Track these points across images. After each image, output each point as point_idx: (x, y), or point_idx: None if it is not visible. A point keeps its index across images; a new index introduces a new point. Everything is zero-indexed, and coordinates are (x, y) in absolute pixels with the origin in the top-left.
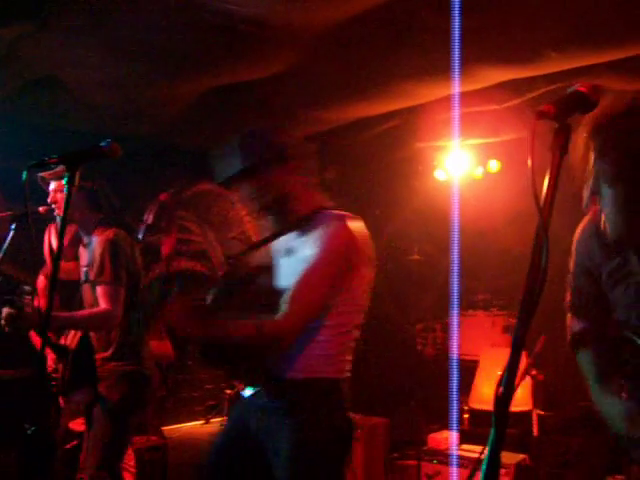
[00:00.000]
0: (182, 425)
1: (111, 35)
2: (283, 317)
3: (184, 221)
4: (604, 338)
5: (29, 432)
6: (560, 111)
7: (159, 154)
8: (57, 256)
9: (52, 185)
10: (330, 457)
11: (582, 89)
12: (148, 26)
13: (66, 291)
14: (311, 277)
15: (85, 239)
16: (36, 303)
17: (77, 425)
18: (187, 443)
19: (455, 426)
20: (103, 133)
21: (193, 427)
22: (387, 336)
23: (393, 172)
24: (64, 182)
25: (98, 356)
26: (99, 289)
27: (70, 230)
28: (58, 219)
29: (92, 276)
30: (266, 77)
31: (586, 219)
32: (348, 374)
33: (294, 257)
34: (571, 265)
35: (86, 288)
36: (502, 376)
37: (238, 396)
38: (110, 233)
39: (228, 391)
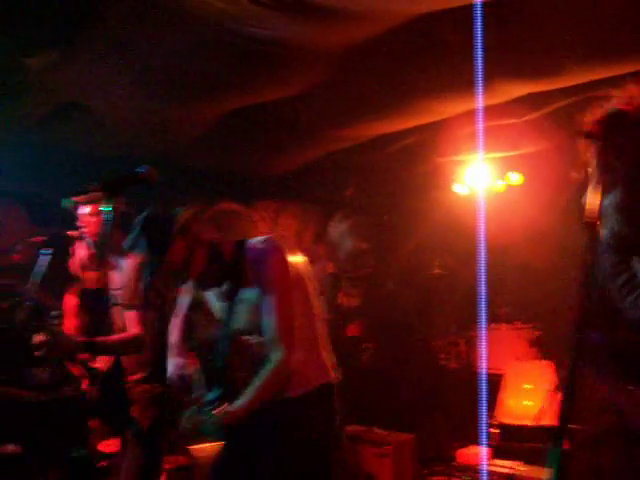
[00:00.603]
0: (207, 445)
1: (136, 60)
2: (281, 347)
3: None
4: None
5: (75, 455)
6: (606, 130)
7: (181, 175)
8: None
9: (85, 209)
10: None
11: (626, 108)
12: (172, 50)
13: (91, 300)
14: (280, 306)
15: (115, 261)
16: (65, 324)
17: (106, 446)
18: (211, 462)
19: (485, 441)
20: (128, 157)
21: (218, 446)
22: (410, 351)
23: (414, 187)
24: (100, 207)
25: (130, 378)
26: (130, 313)
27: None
28: (88, 242)
29: (122, 300)
30: (289, 97)
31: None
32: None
33: (247, 296)
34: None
35: (116, 310)
36: (562, 394)
37: None
38: (141, 257)
39: None
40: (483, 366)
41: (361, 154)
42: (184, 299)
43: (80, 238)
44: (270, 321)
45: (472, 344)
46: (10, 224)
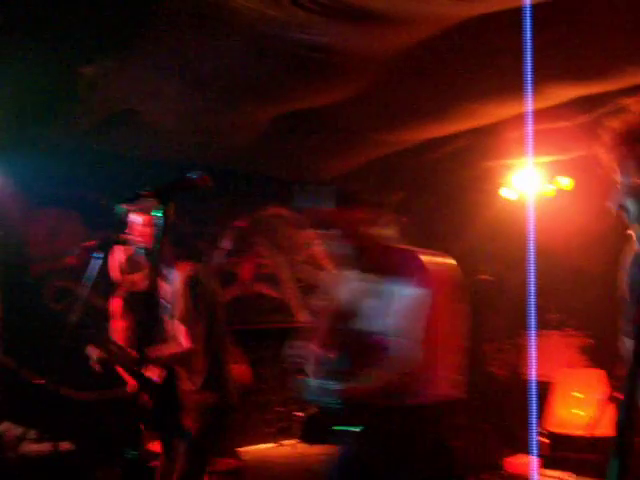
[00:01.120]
0: (254, 447)
1: (187, 67)
2: (415, 354)
3: (256, 245)
4: None
5: (129, 456)
6: (626, 140)
7: (231, 181)
8: (149, 298)
9: (137, 218)
10: None
11: None
12: (222, 56)
13: (135, 303)
14: (422, 315)
15: (165, 272)
16: (113, 326)
17: (156, 446)
18: (259, 465)
19: (534, 451)
20: (178, 162)
21: (265, 449)
22: None
23: (462, 191)
24: (152, 214)
25: (184, 388)
26: (180, 327)
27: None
28: (141, 252)
29: (173, 312)
30: (337, 102)
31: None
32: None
33: (385, 297)
34: (621, 291)
35: (167, 321)
36: (621, 404)
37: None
38: (189, 269)
39: (300, 414)
40: (533, 374)
41: (409, 158)
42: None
43: (127, 243)
44: (399, 322)
45: (521, 351)
46: (65, 229)
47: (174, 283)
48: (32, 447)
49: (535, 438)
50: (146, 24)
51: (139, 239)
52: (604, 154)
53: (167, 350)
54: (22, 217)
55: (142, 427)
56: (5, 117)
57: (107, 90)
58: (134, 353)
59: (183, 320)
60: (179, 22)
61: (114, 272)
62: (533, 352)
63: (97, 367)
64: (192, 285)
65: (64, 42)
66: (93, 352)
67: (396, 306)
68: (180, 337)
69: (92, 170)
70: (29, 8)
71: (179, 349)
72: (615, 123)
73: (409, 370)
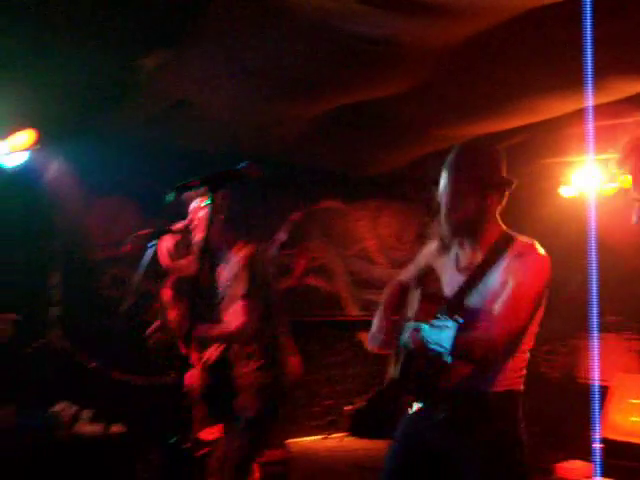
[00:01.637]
0: (301, 439)
1: (242, 59)
2: (497, 335)
3: (309, 238)
4: None
5: (171, 441)
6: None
7: (284, 173)
8: (196, 281)
9: (192, 205)
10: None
11: None
12: (277, 48)
13: (184, 288)
14: (520, 304)
15: (224, 257)
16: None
17: (206, 434)
18: (306, 458)
19: (591, 457)
20: (232, 154)
21: (312, 442)
22: None
23: (518, 189)
24: (205, 203)
25: (239, 370)
26: (236, 304)
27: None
28: (196, 239)
29: (231, 291)
30: (392, 95)
31: None
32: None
33: (491, 277)
34: None
35: (225, 303)
36: None
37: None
38: (248, 250)
39: (348, 407)
40: (591, 377)
41: None
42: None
43: (180, 232)
44: (503, 309)
45: (575, 353)
46: (123, 217)
47: (231, 265)
48: (85, 427)
49: (594, 444)
50: (203, 16)
51: (192, 225)
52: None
53: (222, 327)
54: (82, 205)
55: (191, 414)
56: (66, 108)
57: (164, 81)
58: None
59: (240, 296)
60: (235, 14)
61: (163, 259)
62: (590, 355)
63: (152, 341)
64: (250, 263)
65: (123, 35)
66: (149, 329)
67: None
68: (236, 314)
69: (149, 160)
70: (89, 1)
71: (231, 327)
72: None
73: (489, 344)
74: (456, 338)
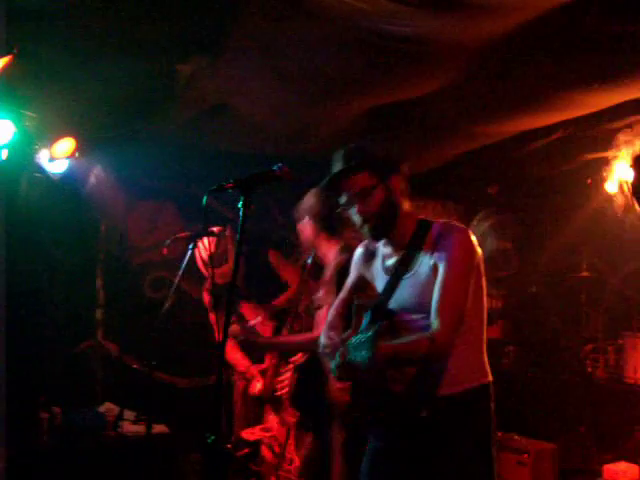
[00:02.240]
0: None
1: (278, 62)
2: (441, 327)
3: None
4: None
5: (209, 441)
6: None
7: (320, 175)
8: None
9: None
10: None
11: None
12: (312, 51)
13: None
14: (454, 286)
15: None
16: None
17: (249, 434)
18: None
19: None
20: (268, 155)
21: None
22: (554, 356)
23: (559, 185)
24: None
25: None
26: (320, 313)
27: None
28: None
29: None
30: (428, 94)
31: None
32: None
33: (417, 272)
34: None
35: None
36: None
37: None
38: (341, 259)
39: None
40: (630, 376)
41: (505, 151)
42: (349, 279)
43: (219, 235)
44: (440, 295)
45: (622, 352)
46: (163, 220)
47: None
48: (129, 427)
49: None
50: (237, 21)
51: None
52: None
53: (296, 336)
54: (123, 210)
55: (233, 415)
56: (106, 115)
57: (201, 87)
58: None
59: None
60: (269, 18)
61: (199, 264)
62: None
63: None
64: (341, 273)
65: (160, 42)
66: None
67: (419, 281)
68: (317, 323)
69: (187, 164)
70: (129, 9)
71: (309, 336)
72: None
73: (434, 344)
74: (380, 345)
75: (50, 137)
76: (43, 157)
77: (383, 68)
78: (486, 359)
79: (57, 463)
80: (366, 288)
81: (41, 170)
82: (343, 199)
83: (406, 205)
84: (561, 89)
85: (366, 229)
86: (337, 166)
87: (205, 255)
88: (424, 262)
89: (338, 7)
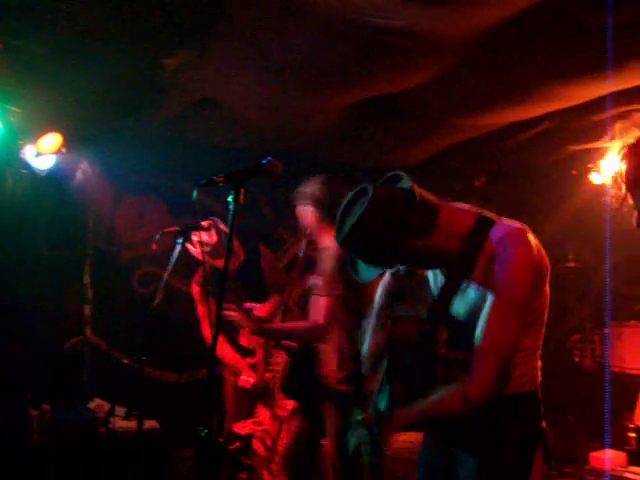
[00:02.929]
0: None
1: (265, 55)
2: (481, 378)
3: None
4: None
5: (202, 434)
6: None
7: (304, 168)
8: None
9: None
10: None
11: None
12: (300, 44)
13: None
14: (503, 320)
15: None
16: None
17: (240, 428)
18: None
19: (620, 445)
20: (255, 149)
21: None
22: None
23: (546, 176)
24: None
25: (323, 371)
26: (317, 301)
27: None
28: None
29: (319, 288)
30: (415, 87)
31: None
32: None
33: (470, 292)
34: None
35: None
36: None
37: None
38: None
39: None
40: (617, 365)
41: (490, 143)
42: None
43: (208, 229)
44: (482, 338)
45: (608, 342)
46: (151, 215)
47: (322, 259)
48: (120, 423)
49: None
50: (224, 14)
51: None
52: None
53: (291, 324)
54: (110, 205)
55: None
56: (92, 110)
57: (188, 80)
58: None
59: (316, 293)
60: (257, 10)
61: (199, 256)
62: (616, 343)
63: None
64: (341, 262)
65: (146, 36)
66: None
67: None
68: (315, 311)
69: (174, 158)
70: (114, 2)
71: (304, 323)
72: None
73: (465, 405)
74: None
75: (36, 132)
76: (29, 153)
77: (371, 61)
78: (539, 365)
79: (47, 460)
80: (416, 287)
81: (27, 166)
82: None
83: (450, 232)
84: (547, 81)
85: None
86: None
87: (205, 247)
88: (475, 282)
89: (327, 0)
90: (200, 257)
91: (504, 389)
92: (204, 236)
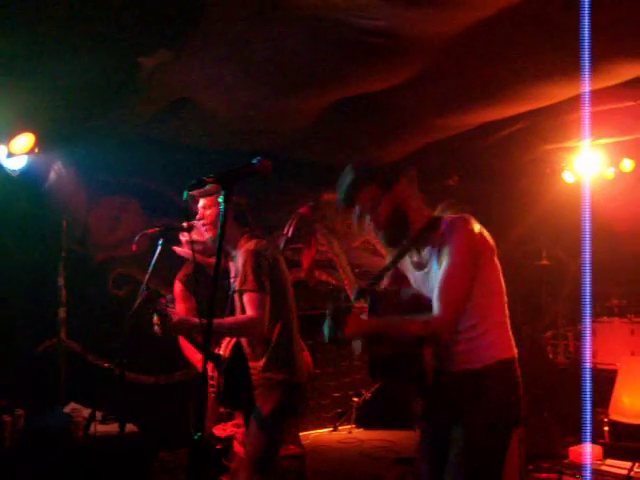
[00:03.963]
0: (311, 432)
1: (243, 55)
2: (440, 313)
3: (315, 232)
4: None
5: (195, 437)
6: None
7: (281, 167)
8: (215, 277)
9: (201, 202)
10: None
11: None
12: (279, 44)
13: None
14: (453, 275)
15: (232, 252)
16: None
17: (220, 430)
18: (317, 450)
19: (590, 438)
20: (234, 150)
21: (322, 434)
22: (516, 343)
23: (519, 175)
24: (217, 199)
25: (251, 365)
26: (245, 297)
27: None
28: (207, 236)
29: (237, 286)
30: (393, 86)
31: None
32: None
33: (430, 268)
34: None
35: (235, 299)
36: None
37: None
38: (251, 244)
39: (355, 399)
40: (590, 360)
41: (465, 142)
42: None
43: (189, 229)
44: (439, 285)
45: (582, 337)
46: (126, 216)
47: (238, 260)
48: (98, 428)
49: (590, 426)
50: (202, 14)
51: (204, 223)
52: None
53: (230, 318)
54: (85, 206)
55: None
56: (66, 110)
57: (165, 80)
58: (195, 320)
59: (247, 289)
60: (236, 10)
61: (187, 256)
62: (590, 339)
63: (158, 332)
64: (254, 257)
65: (122, 35)
66: (155, 319)
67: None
68: (246, 307)
69: (151, 159)
70: (88, 3)
71: (243, 317)
72: None
73: (428, 329)
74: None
75: (8, 132)
76: (0, 153)
77: (351, 60)
78: (509, 335)
79: (22, 467)
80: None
81: None
82: (357, 211)
83: (416, 207)
84: (523, 81)
85: (382, 236)
86: (347, 180)
87: (197, 245)
88: (433, 259)
89: (309, 1)
90: (190, 257)
91: (457, 324)
92: (194, 235)
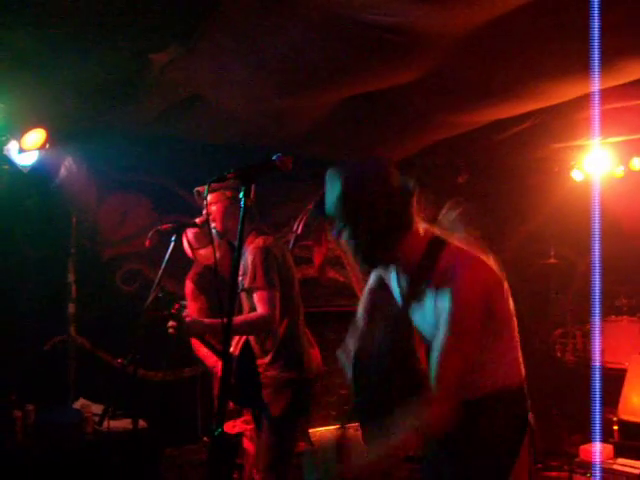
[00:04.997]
0: (318, 429)
1: (255, 51)
2: (439, 403)
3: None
4: None
5: (216, 433)
6: None
7: (297, 164)
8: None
9: (208, 198)
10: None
11: None
12: (291, 40)
13: (204, 281)
14: (455, 349)
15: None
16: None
17: (230, 427)
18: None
19: (599, 437)
20: (246, 146)
21: (327, 432)
22: (524, 342)
23: (528, 174)
24: (221, 195)
25: (258, 362)
26: (255, 295)
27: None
28: (214, 231)
29: (247, 283)
30: (404, 84)
31: None
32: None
33: (426, 305)
34: None
35: (243, 297)
36: None
37: None
38: (260, 240)
39: None
40: (598, 359)
41: (474, 140)
42: (372, 275)
43: (202, 226)
44: (437, 361)
45: (590, 337)
46: (133, 212)
47: (245, 256)
48: (106, 424)
49: (599, 425)
50: (214, 10)
51: (210, 218)
52: None
53: (241, 317)
54: (95, 202)
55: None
56: (78, 105)
57: (177, 76)
58: (206, 321)
59: (256, 287)
60: (247, 6)
61: (186, 251)
62: (599, 338)
63: (173, 336)
64: (262, 254)
65: (134, 31)
66: (169, 324)
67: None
68: (257, 304)
69: (162, 155)
70: None
71: (253, 314)
72: None
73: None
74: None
75: (20, 128)
76: (12, 149)
77: (363, 57)
78: (519, 362)
79: (33, 462)
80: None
81: (10, 162)
82: (338, 224)
83: (413, 225)
84: (532, 79)
85: (359, 258)
86: (334, 192)
87: (192, 242)
88: (428, 296)
89: None
90: (188, 251)
91: (460, 412)
92: (189, 235)
